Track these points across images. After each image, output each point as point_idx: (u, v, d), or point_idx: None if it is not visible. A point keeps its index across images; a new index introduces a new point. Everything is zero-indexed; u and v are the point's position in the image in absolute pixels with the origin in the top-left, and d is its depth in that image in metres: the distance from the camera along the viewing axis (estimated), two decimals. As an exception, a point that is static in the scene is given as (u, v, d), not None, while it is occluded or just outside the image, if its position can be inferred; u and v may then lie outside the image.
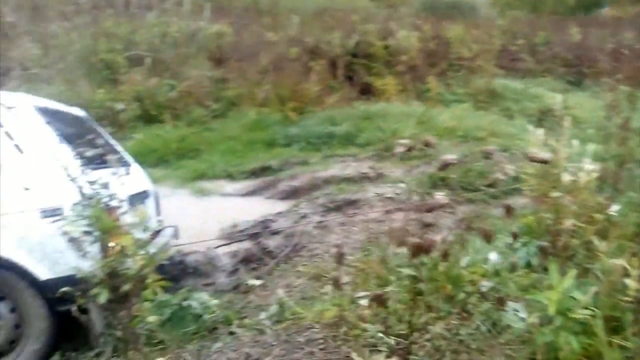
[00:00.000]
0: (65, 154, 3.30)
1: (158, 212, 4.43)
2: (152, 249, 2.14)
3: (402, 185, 6.28)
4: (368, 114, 9.12)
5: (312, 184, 6.73)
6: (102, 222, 1.99)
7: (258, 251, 4.93)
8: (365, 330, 2.71)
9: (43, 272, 3.17)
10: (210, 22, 12.00)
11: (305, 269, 4.40)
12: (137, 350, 2.21)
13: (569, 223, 2.67)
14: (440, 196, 1.95)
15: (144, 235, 2.17)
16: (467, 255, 3.28)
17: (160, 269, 2.40)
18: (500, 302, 2.25)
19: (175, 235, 4.22)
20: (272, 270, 4.54)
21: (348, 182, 6.61)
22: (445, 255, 2.15)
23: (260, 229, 5.39)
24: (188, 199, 6.72)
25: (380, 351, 2.61)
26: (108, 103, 9.11)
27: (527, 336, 2.41)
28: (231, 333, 3.22)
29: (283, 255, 4.79)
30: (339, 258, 2.32)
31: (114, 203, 2.23)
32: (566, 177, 2.83)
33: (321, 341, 2.88)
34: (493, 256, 3.13)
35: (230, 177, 7.55)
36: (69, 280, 2.69)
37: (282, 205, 6.27)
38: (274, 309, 3.38)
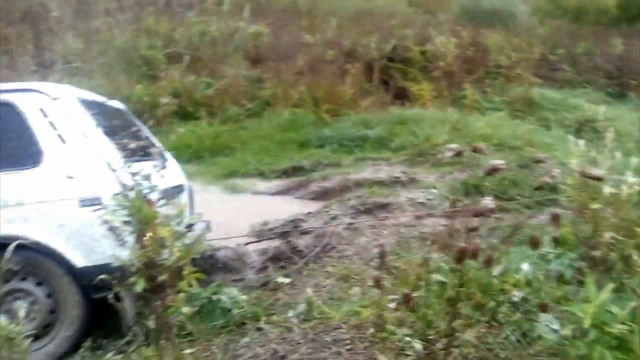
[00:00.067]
0: (106, 145, 3.38)
1: (191, 207, 4.50)
2: (187, 242, 2.18)
3: (435, 190, 6.23)
4: (402, 119, 9.08)
5: (343, 186, 6.73)
6: (142, 212, 2.04)
7: (287, 250, 4.95)
8: (393, 333, 2.69)
9: (79, 260, 3.26)
10: (249, 22, 12.12)
11: (334, 270, 4.40)
12: (168, 340, 2.25)
13: (608, 236, 2.62)
14: (488, 201, 1.93)
15: (180, 228, 2.21)
16: (499, 263, 3.23)
17: (192, 262, 2.44)
18: (543, 309, 2.21)
19: (208, 230, 4.28)
20: (301, 270, 4.55)
21: (380, 186, 6.59)
22: (488, 262, 2.12)
23: (291, 228, 5.41)
24: (220, 196, 6.81)
25: (407, 355, 2.60)
26: (146, 98, 9.28)
27: (558, 348, 2.37)
28: (259, 329, 3.24)
29: (312, 255, 4.80)
30: (381, 258, 2.32)
31: (154, 195, 2.27)
32: (607, 190, 2.77)
33: (348, 342, 2.89)
34: (525, 266, 3.09)
35: (262, 175, 7.61)
36: (104, 268, 2.74)
37: (312, 206, 6.29)
38: (302, 307, 3.39)
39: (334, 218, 5.66)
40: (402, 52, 11.31)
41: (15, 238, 2.87)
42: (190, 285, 2.18)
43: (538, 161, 6.91)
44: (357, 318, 3.12)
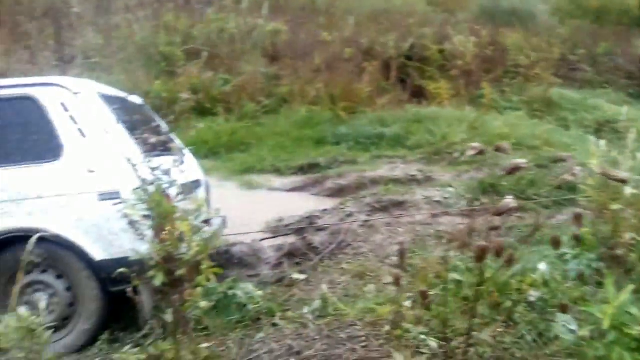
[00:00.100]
0: (126, 139, 3.42)
1: (208, 202, 4.53)
2: (206, 236, 2.19)
3: (451, 189, 6.21)
4: (419, 117, 9.04)
5: (359, 183, 6.73)
6: (161, 207, 2.06)
7: (303, 246, 4.96)
8: (407, 331, 2.69)
9: (98, 253, 3.29)
10: (267, 19, 12.15)
11: (350, 267, 4.41)
12: (185, 334, 2.27)
13: (628, 237, 2.59)
14: (510, 199, 1.90)
15: (197, 223, 2.23)
16: (515, 263, 3.21)
17: (209, 257, 2.45)
18: (564, 309, 2.19)
19: (224, 225, 4.31)
20: (316, 266, 4.56)
21: (396, 184, 6.57)
22: (510, 261, 2.11)
23: (306, 225, 5.43)
24: (236, 191, 6.84)
25: (422, 353, 2.60)
26: (165, 94, 9.36)
27: (576, 349, 2.35)
28: (274, 325, 3.26)
29: (328, 251, 4.81)
30: (401, 257, 2.31)
31: (173, 190, 2.30)
32: (628, 191, 2.74)
33: (363, 339, 2.89)
34: (542, 266, 3.06)
35: (278, 172, 7.63)
36: (122, 262, 2.77)
37: (328, 203, 6.29)
38: (317, 304, 3.40)
39: (350, 215, 5.67)
40: (420, 51, 11.26)
41: (36, 231, 2.92)
42: (208, 280, 2.20)
43: (560, 160, 6.85)
44: (373, 315, 3.12)
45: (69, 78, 3.83)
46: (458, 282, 2.72)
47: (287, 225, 5.48)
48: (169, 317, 2.17)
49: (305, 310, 3.37)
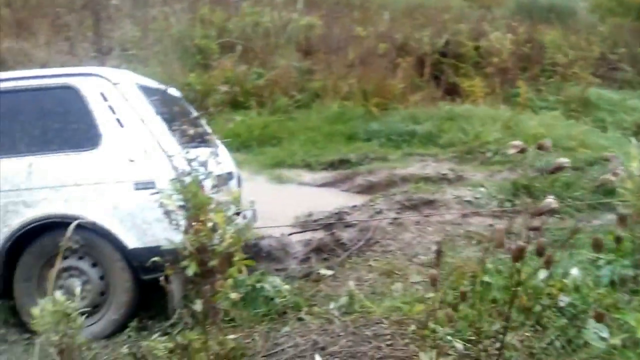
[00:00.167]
0: (163, 130, 3.48)
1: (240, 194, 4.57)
2: (239, 228, 2.22)
3: (483, 189, 6.13)
4: (452, 115, 8.95)
5: (389, 181, 6.72)
6: (197, 198, 2.10)
7: (331, 242, 4.98)
8: (434, 331, 2.68)
9: (131, 241, 3.36)
10: (302, 14, 12.16)
11: (377, 264, 4.41)
12: (214, 324, 2.31)
13: (665, 244, 2.53)
14: (551, 199, 1.87)
15: (231, 214, 2.26)
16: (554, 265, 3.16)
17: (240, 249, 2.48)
18: (599, 318, 2.15)
19: (255, 218, 4.35)
20: (343, 262, 4.57)
21: (426, 182, 6.53)
22: (548, 263, 2.07)
23: (335, 221, 5.44)
24: (266, 185, 6.90)
25: (448, 354, 2.58)
26: (199, 87, 9.46)
27: (606, 357, 2.31)
28: (300, 319, 3.28)
29: (356, 248, 4.81)
30: (438, 256, 2.30)
31: (209, 181, 2.34)
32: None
33: (389, 337, 2.88)
34: (574, 271, 3.01)
35: (309, 167, 7.67)
36: (154, 250, 2.81)
37: (357, 199, 6.30)
38: (343, 300, 3.40)
39: (379, 212, 5.66)
40: (455, 47, 11.13)
41: (73, 217, 3.00)
42: (240, 272, 2.22)
43: (598, 161, 6.70)
44: (399, 314, 3.12)
45: (108, 69, 3.91)
46: (487, 284, 2.71)
47: (315, 221, 5.51)
48: (198, 306, 2.20)
49: (332, 306, 3.37)
